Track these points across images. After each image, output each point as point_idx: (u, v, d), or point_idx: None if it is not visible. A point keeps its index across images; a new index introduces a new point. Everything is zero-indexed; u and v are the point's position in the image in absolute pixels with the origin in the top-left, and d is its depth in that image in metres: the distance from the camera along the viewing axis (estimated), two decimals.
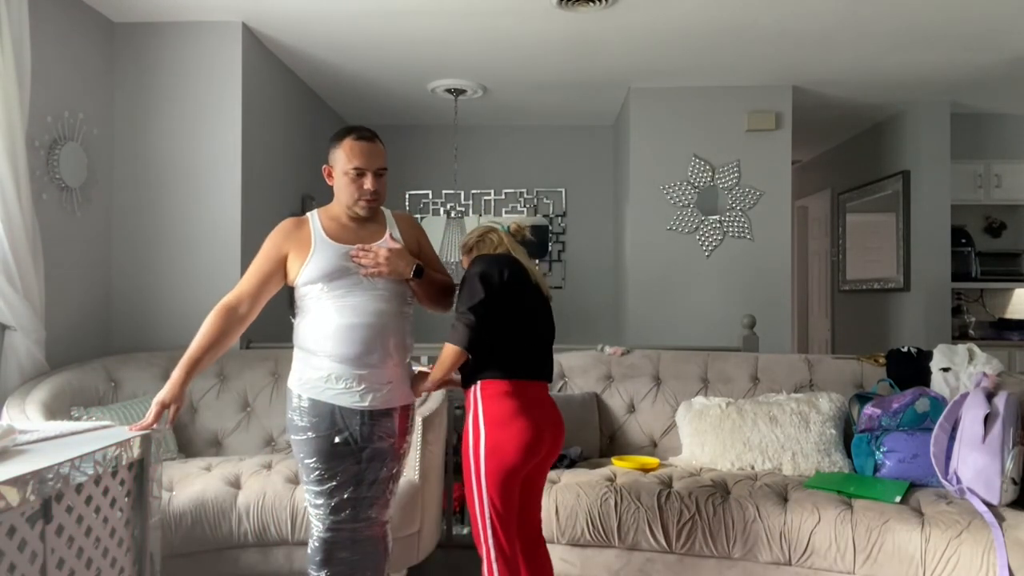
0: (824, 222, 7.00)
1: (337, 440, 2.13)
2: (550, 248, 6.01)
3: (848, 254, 6.35)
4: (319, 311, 2.16)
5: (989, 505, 2.50)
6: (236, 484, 2.76)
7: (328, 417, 2.13)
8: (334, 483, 2.13)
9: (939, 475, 2.66)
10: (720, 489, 2.70)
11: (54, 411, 2.90)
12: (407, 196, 6.04)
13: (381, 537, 2.23)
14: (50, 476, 1.70)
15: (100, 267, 3.74)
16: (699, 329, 4.80)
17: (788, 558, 2.52)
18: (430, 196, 6.05)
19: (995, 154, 5.56)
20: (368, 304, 2.15)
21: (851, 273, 6.29)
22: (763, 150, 4.89)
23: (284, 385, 2.69)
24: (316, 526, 2.18)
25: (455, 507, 3.52)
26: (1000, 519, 2.39)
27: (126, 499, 2.07)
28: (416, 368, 2.38)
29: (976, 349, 3.15)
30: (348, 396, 2.13)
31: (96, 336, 3.69)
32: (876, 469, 2.81)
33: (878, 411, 2.89)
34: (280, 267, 2.21)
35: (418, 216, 6.04)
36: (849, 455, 2.95)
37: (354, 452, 2.14)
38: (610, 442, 3.33)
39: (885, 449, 2.80)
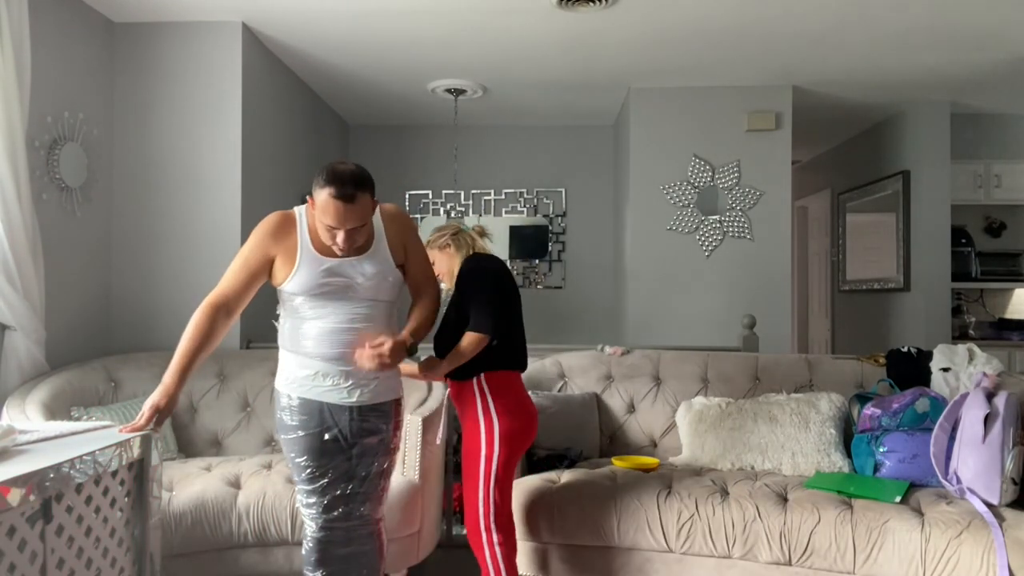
0: (824, 222, 7.00)
1: (327, 437, 2.13)
2: (550, 248, 6.01)
3: (848, 254, 6.35)
4: (303, 315, 2.15)
5: (989, 505, 2.50)
6: (236, 484, 2.76)
7: (317, 414, 2.13)
8: (325, 480, 2.13)
9: (939, 475, 2.66)
10: (720, 489, 2.70)
11: (54, 411, 2.90)
12: (407, 196, 6.04)
13: (375, 535, 2.23)
14: (50, 476, 1.70)
15: (100, 267, 3.74)
16: (699, 329, 4.79)
17: (788, 558, 2.52)
18: (430, 196, 6.04)
19: (995, 154, 5.56)
20: (353, 310, 2.14)
21: (851, 273, 6.28)
22: (763, 150, 4.89)
23: None
24: (309, 526, 2.18)
25: (455, 507, 3.52)
26: (1000, 519, 2.39)
27: (126, 499, 2.07)
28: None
29: (976, 349, 3.15)
30: (336, 392, 2.13)
31: (96, 336, 3.69)
32: (876, 469, 2.81)
33: (878, 411, 2.89)
34: (267, 268, 2.16)
35: (418, 216, 6.04)
36: (849, 455, 2.95)
37: (344, 449, 2.15)
38: (610, 442, 3.33)
39: (885, 449, 2.80)
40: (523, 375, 2.54)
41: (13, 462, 1.73)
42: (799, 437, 2.95)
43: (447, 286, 2.54)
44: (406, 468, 2.84)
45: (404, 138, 6.07)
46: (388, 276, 2.19)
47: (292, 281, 2.12)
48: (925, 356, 3.24)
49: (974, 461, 2.55)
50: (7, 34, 2.81)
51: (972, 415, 2.63)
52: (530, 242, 6.00)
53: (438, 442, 2.97)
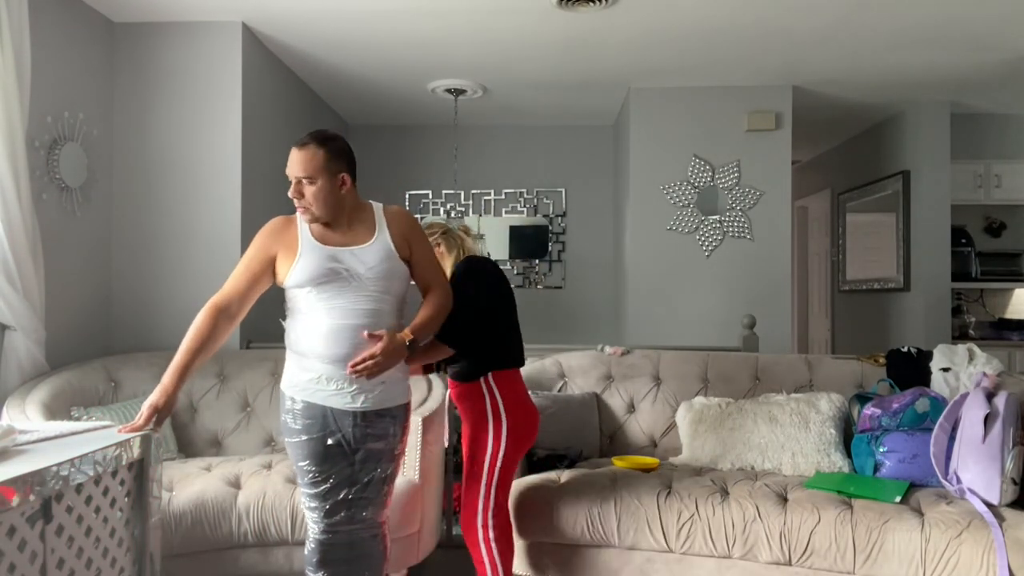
0: (824, 222, 7.00)
1: (330, 442, 2.12)
2: (550, 248, 6.01)
3: (848, 254, 6.35)
4: (309, 312, 2.14)
5: (989, 505, 2.50)
6: (236, 484, 2.76)
7: (321, 419, 2.12)
8: (328, 485, 2.12)
9: (939, 475, 2.66)
10: (720, 489, 2.70)
11: (54, 411, 2.90)
12: (407, 196, 6.04)
13: (378, 538, 2.22)
14: (50, 476, 1.70)
15: (100, 267, 3.74)
16: (699, 329, 4.80)
17: (788, 558, 2.52)
18: (430, 196, 6.04)
19: (995, 154, 5.56)
20: (359, 304, 2.13)
21: (851, 273, 6.28)
22: (763, 150, 4.89)
23: None
24: (312, 528, 2.17)
25: (455, 507, 3.52)
26: (1000, 519, 2.39)
27: (126, 499, 2.07)
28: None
29: (976, 349, 3.15)
30: (340, 397, 2.12)
31: (96, 336, 3.69)
32: (876, 469, 2.81)
33: (878, 411, 2.89)
34: (269, 267, 2.18)
35: (418, 216, 6.03)
36: (849, 455, 2.95)
37: (347, 454, 2.13)
38: (610, 442, 3.33)
39: (885, 449, 2.80)
40: (523, 374, 2.57)
41: (13, 462, 1.73)
42: (799, 437, 2.95)
43: None
44: (406, 468, 2.84)
45: (404, 138, 6.07)
46: (392, 267, 2.19)
47: (296, 271, 2.13)
48: (925, 356, 3.24)
49: (974, 461, 2.55)
50: (7, 34, 2.81)
51: (972, 415, 2.63)
52: (530, 242, 6.00)
53: (446, 444, 2.98)
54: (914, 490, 2.68)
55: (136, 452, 2.07)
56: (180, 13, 3.75)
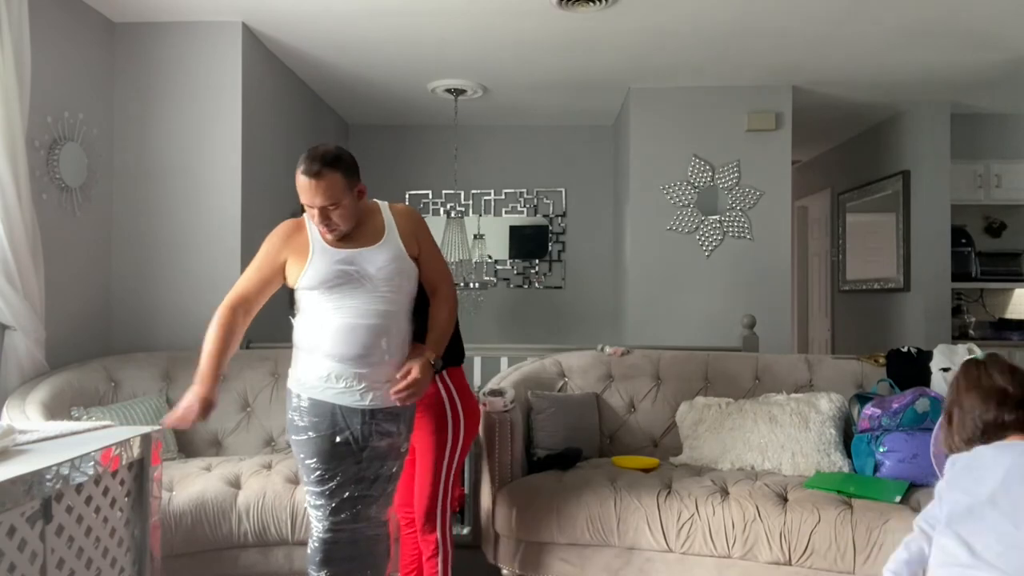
0: (824, 222, 7.00)
1: (338, 440, 2.12)
2: (550, 248, 6.01)
3: (848, 254, 6.34)
4: (318, 311, 2.15)
5: None
6: (236, 484, 2.76)
7: (329, 417, 2.12)
8: (334, 483, 2.12)
9: (939, 475, 2.66)
10: (720, 489, 2.70)
11: (54, 411, 2.90)
12: (407, 196, 6.04)
13: (383, 537, 2.23)
14: (50, 476, 1.70)
15: (100, 267, 3.74)
16: (699, 329, 4.79)
17: (788, 558, 2.52)
18: (430, 196, 6.04)
19: (995, 154, 5.55)
20: (369, 305, 2.14)
21: (851, 273, 6.28)
22: (763, 150, 4.89)
23: (284, 385, 2.71)
24: (316, 527, 2.17)
25: (454, 507, 3.52)
26: None
27: (126, 499, 2.07)
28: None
29: (976, 349, 3.15)
30: (348, 395, 2.13)
31: (96, 336, 3.69)
32: (876, 469, 2.81)
33: (878, 411, 2.89)
34: (279, 271, 2.21)
35: None
36: (849, 455, 2.95)
37: (354, 452, 2.14)
38: (610, 442, 3.33)
39: (885, 449, 2.80)
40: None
41: (13, 462, 1.73)
42: (799, 437, 2.95)
43: None
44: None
45: (404, 138, 6.07)
46: (403, 266, 2.20)
47: (307, 274, 2.14)
48: (925, 356, 3.24)
49: None
50: (7, 34, 2.81)
51: None
52: (530, 242, 6.00)
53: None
54: (914, 490, 2.68)
55: (136, 452, 2.08)
56: (180, 13, 3.75)
